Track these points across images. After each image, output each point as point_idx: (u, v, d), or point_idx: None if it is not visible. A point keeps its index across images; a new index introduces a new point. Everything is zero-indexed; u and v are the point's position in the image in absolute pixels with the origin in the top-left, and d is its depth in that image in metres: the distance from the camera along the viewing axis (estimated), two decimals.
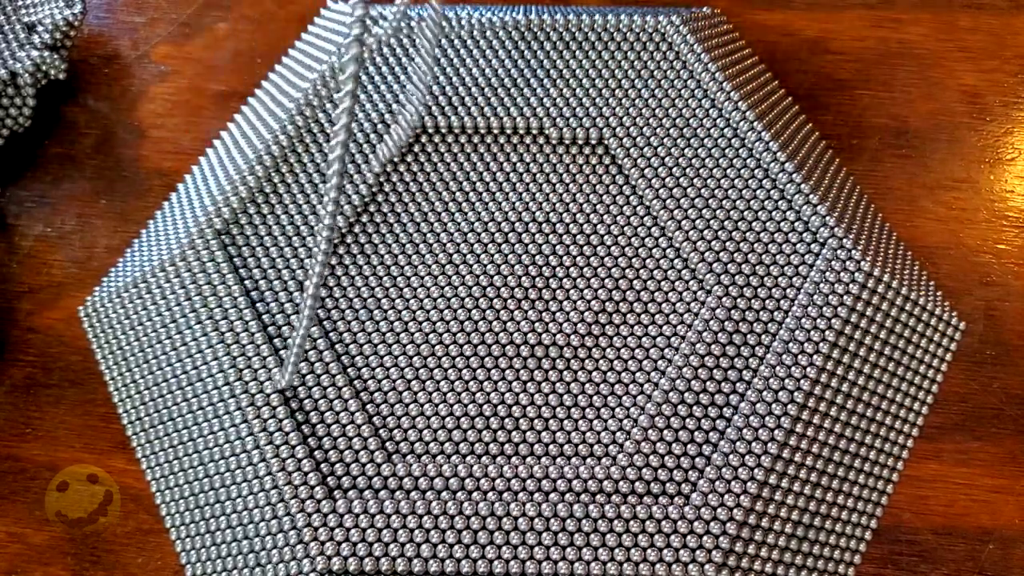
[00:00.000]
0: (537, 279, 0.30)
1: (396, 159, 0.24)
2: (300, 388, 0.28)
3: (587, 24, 0.33)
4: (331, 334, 0.29)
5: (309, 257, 0.30)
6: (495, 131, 0.32)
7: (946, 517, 0.29)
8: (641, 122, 0.31)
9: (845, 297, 0.28)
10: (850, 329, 0.28)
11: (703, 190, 0.30)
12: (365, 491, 0.26)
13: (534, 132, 0.31)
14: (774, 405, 0.27)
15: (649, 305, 0.29)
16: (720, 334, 0.28)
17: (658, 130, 0.31)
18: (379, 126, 0.31)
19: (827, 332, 0.28)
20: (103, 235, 0.34)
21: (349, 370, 0.28)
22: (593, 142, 0.31)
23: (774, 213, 0.30)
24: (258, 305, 0.29)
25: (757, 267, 0.29)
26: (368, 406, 0.28)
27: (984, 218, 0.33)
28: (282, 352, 0.28)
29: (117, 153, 0.36)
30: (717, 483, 0.26)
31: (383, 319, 0.29)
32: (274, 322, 0.29)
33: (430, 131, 0.31)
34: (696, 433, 0.27)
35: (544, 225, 0.31)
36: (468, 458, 0.27)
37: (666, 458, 0.27)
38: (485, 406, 0.28)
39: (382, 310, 0.30)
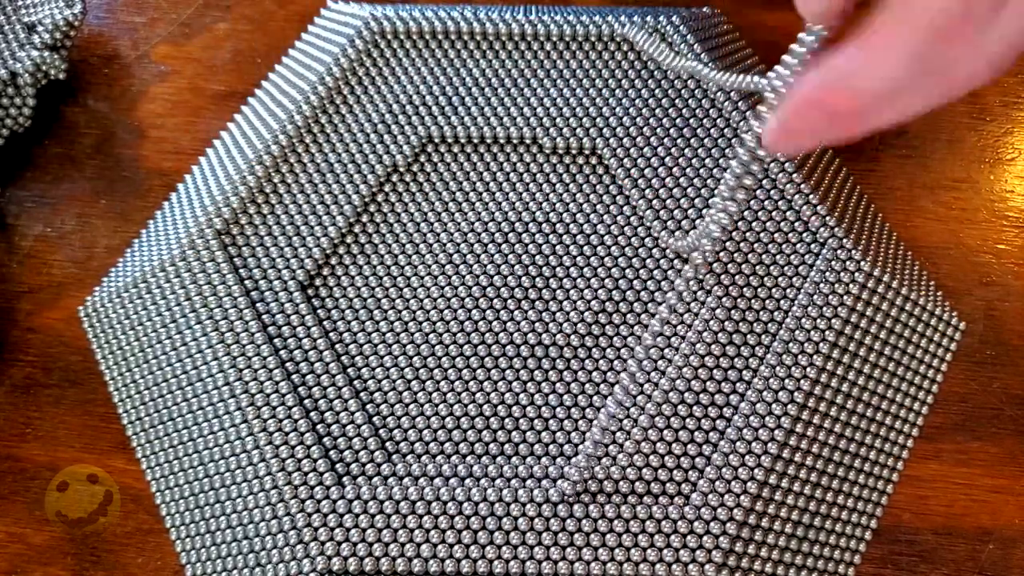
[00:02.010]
0: (537, 279, 0.30)
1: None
2: (301, 388, 0.28)
3: (586, 25, 0.33)
4: (331, 334, 0.29)
5: (309, 257, 0.30)
6: (501, 140, 0.32)
7: (946, 517, 0.29)
8: (641, 122, 0.31)
9: (845, 297, 0.28)
10: (850, 329, 0.28)
11: (703, 190, 0.30)
12: (364, 490, 0.26)
13: (528, 141, 0.31)
14: (774, 405, 0.27)
15: (649, 305, 0.29)
16: (720, 334, 0.28)
17: (658, 130, 0.31)
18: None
19: (827, 332, 0.28)
20: (103, 235, 0.34)
21: (349, 370, 0.28)
22: (594, 143, 0.31)
23: (774, 213, 0.30)
24: (258, 305, 0.29)
25: (757, 267, 0.29)
26: (368, 406, 0.28)
27: (984, 218, 0.33)
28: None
29: (117, 153, 0.36)
30: (717, 483, 0.26)
31: (383, 319, 0.29)
32: (274, 322, 0.29)
33: (435, 139, 0.32)
34: (696, 433, 0.27)
35: (544, 225, 0.31)
36: (468, 458, 0.27)
37: (666, 458, 0.27)
38: (485, 406, 0.28)
39: (382, 310, 0.29)
